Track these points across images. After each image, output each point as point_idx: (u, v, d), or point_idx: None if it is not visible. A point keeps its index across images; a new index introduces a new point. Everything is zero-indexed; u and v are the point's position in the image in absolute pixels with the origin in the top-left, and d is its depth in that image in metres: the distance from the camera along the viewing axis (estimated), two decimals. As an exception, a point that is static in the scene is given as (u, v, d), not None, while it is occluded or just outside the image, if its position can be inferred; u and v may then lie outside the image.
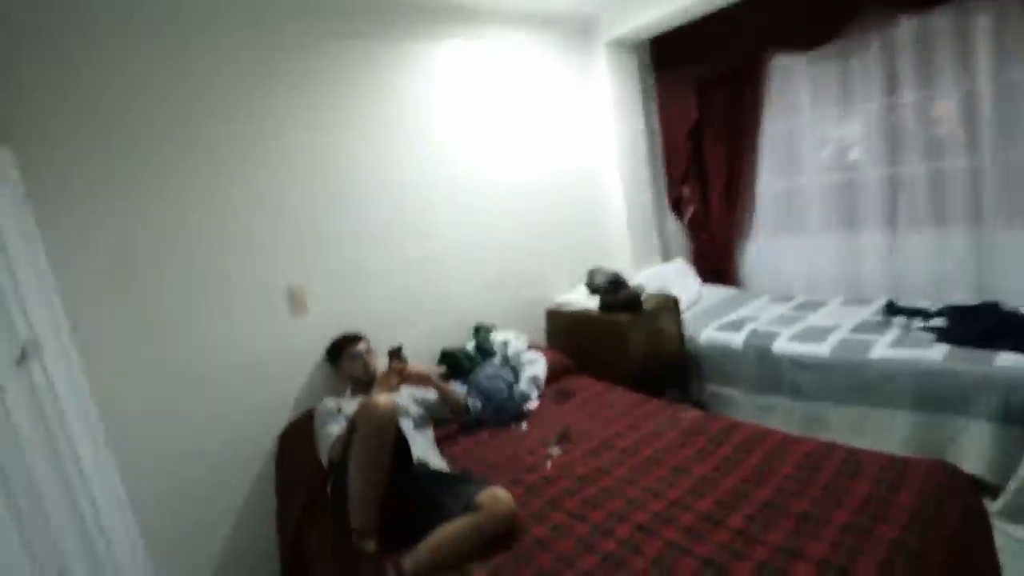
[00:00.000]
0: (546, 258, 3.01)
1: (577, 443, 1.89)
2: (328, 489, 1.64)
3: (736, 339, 2.67)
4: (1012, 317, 2.25)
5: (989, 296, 2.56)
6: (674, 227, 3.78)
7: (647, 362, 2.59)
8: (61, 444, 1.15)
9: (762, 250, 3.58)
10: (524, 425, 2.10)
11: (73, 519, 1.10)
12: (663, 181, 3.71)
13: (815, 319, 2.71)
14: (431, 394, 2.09)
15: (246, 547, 2.02)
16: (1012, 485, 1.81)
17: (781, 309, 2.95)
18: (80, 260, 1.70)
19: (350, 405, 1.92)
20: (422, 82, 2.51)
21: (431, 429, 2.00)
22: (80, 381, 1.49)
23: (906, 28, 2.71)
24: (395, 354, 1.90)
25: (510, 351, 2.40)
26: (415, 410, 1.99)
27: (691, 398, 2.69)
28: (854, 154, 3.08)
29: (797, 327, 2.63)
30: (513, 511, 1.45)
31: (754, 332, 2.66)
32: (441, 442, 1.99)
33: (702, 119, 3.46)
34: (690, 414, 1.98)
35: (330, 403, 1.91)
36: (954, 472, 1.42)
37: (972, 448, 1.93)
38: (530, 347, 2.55)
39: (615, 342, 2.58)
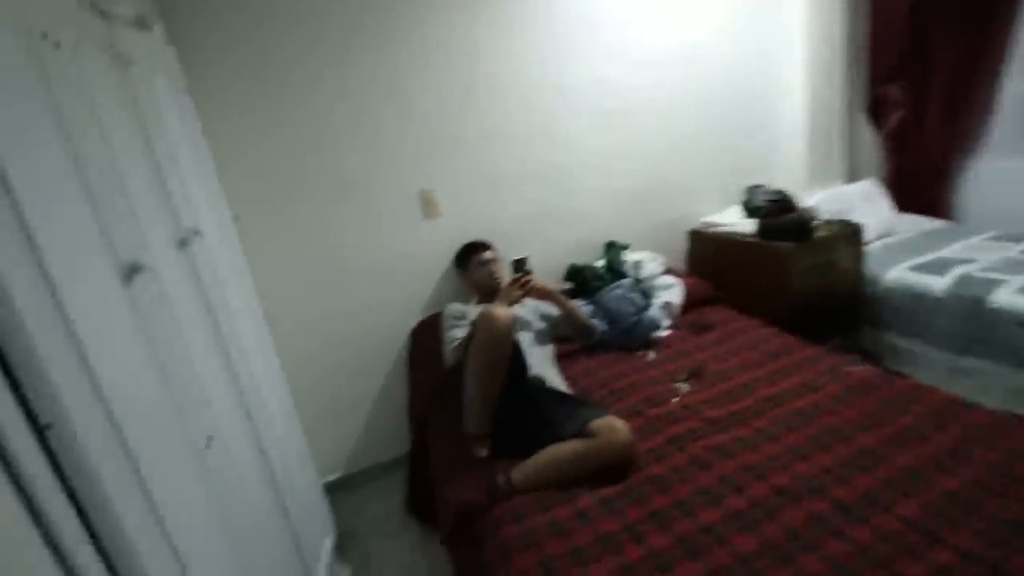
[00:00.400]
0: (695, 171, 2.62)
1: (711, 382, 1.69)
2: (448, 390, 1.69)
3: (938, 284, 2.14)
4: None
5: None
6: (868, 139, 3.05)
7: (810, 301, 2.20)
8: (222, 320, 1.28)
9: (991, 174, 2.75)
10: (651, 354, 1.94)
11: (230, 391, 1.25)
12: (862, 78, 2.95)
13: (1064, 268, 2.05)
14: (554, 310, 2.00)
15: (385, 424, 2.24)
16: None
17: (1008, 251, 2.28)
18: (236, 158, 1.83)
19: (475, 312, 1.92)
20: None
21: (551, 345, 1.94)
22: (241, 265, 1.64)
23: None
24: (520, 265, 1.82)
25: (643, 272, 2.19)
26: (536, 324, 1.93)
27: (861, 349, 2.26)
28: None
29: (1032, 275, 2.01)
30: (629, 444, 1.35)
31: (965, 277, 2.10)
32: (561, 360, 1.93)
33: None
34: (860, 368, 1.65)
35: (456, 308, 1.92)
36: None
37: None
38: (667, 271, 2.31)
39: (772, 274, 2.22)
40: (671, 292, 2.17)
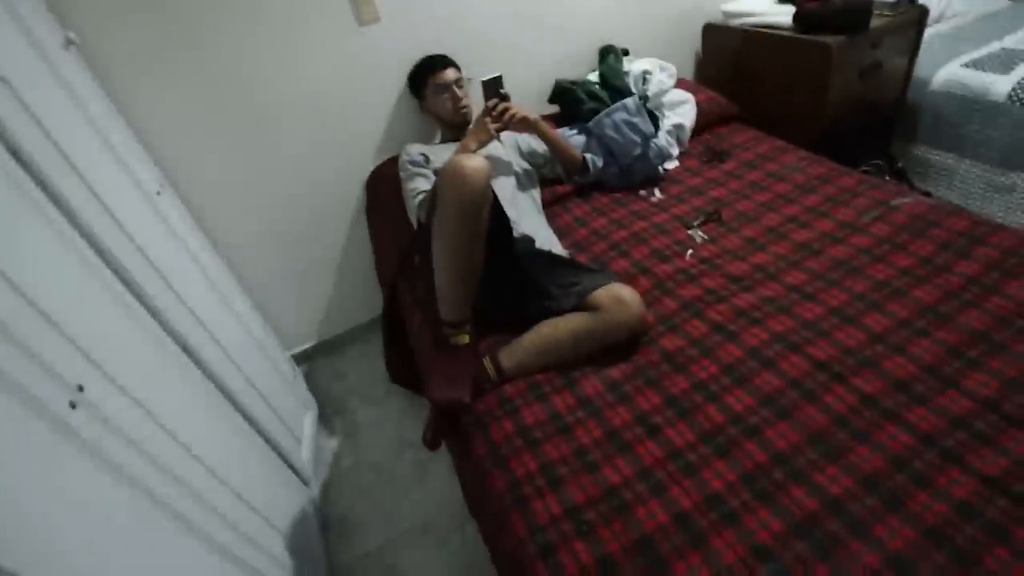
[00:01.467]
0: None
1: (732, 227, 1.40)
2: (416, 257, 1.38)
3: (999, 84, 1.75)
4: None
5: None
6: None
7: (849, 112, 1.81)
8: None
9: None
10: (657, 193, 1.61)
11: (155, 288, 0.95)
12: None
13: None
14: (539, 145, 1.61)
15: (354, 285, 1.97)
16: None
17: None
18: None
19: (439, 153, 1.52)
20: None
21: (538, 190, 1.59)
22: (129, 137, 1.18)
23: None
24: (493, 88, 1.37)
25: (651, 88, 1.73)
26: (517, 165, 1.55)
27: (898, 171, 1.95)
28: None
29: None
30: (641, 318, 1.11)
31: (1043, 73, 1.71)
32: (547, 207, 1.60)
33: None
34: (911, 201, 1.36)
35: (415, 149, 1.51)
36: None
37: None
38: (676, 84, 1.85)
39: (808, 78, 1.78)
40: (682, 111, 1.75)
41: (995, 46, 1.96)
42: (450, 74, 1.57)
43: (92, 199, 0.93)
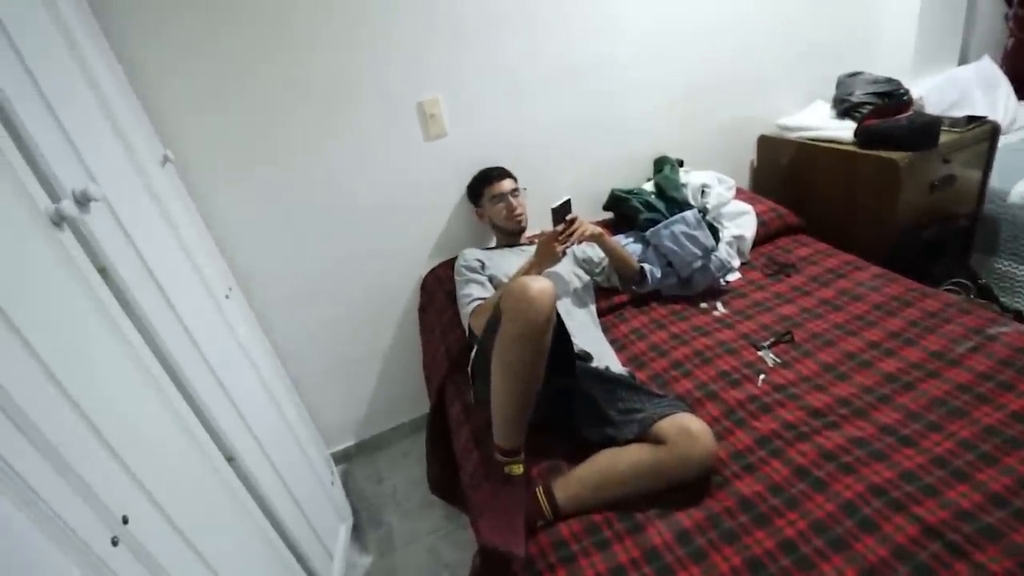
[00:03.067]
0: (766, 60, 2.03)
1: (806, 351, 1.31)
2: (469, 367, 1.34)
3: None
4: None
5: None
6: (988, 7, 2.36)
7: (919, 226, 1.74)
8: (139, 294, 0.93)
9: None
10: (720, 306, 1.55)
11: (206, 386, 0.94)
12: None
13: None
14: (595, 252, 1.60)
15: (400, 384, 1.94)
16: None
17: None
18: (171, 82, 1.36)
19: (495, 259, 1.53)
20: None
21: (594, 303, 1.56)
22: (181, 218, 1.25)
23: None
24: (561, 213, 1.38)
25: (710, 201, 1.72)
26: (575, 275, 1.54)
27: (977, 284, 1.82)
28: None
29: None
30: (712, 454, 1.01)
31: None
32: (603, 316, 1.56)
33: None
34: (1010, 329, 1.24)
35: (471, 255, 1.53)
36: None
37: None
38: (736, 195, 1.84)
39: (875, 193, 1.74)
40: (743, 222, 1.72)
41: (1075, 161, 1.87)
42: (506, 185, 1.62)
43: (168, 311, 0.96)
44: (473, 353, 1.32)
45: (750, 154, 2.18)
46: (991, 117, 1.89)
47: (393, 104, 1.60)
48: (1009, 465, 0.93)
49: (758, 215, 1.79)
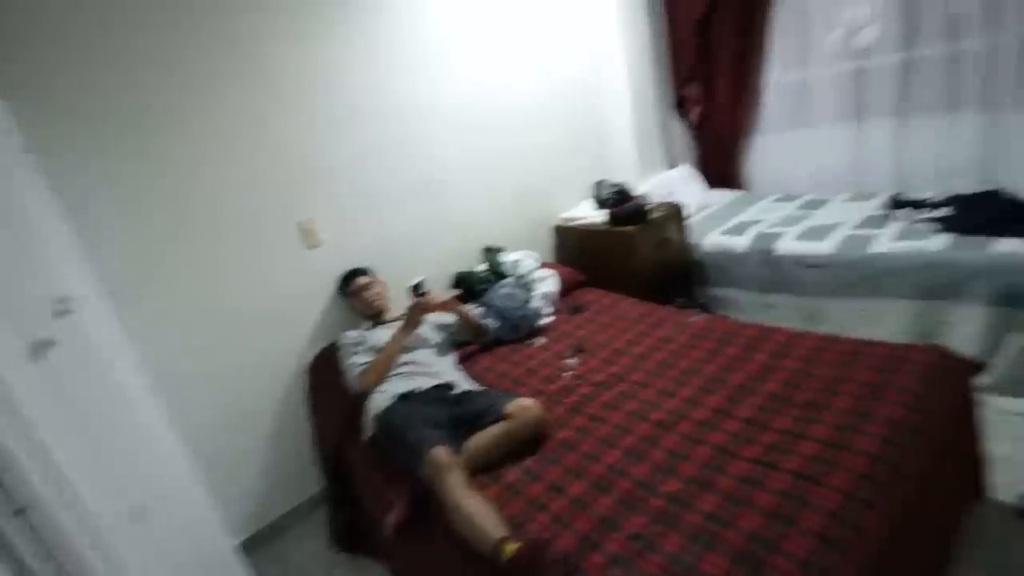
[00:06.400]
0: (552, 174, 2.99)
1: (592, 353, 2.00)
2: (360, 415, 1.78)
3: (740, 242, 2.71)
4: (1009, 202, 2.26)
5: (997, 184, 2.54)
6: (679, 131, 3.69)
7: (655, 271, 2.65)
8: (112, 384, 1.23)
9: (768, 149, 3.50)
10: (540, 340, 2.21)
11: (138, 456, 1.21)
12: (668, 83, 3.56)
13: (820, 217, 2.73)
14: (449, 318, 2.18)
15: (289, 468, 2.20)
16: (1000, 361, 1.93)
17: (786, 209, 2.96)
18: (102, 210, 1.71)
19: (369, 336, 2.00)
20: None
21: (454, 352, 2.11)
22: (118, 332, 1.55)
23: None
24: (417, 289, 1.95)
25: (522, 269, 2.46)
26: (435, 337, 2.08)
27: (697, 303, 2.78)
28: (865, 37, 2.91)
29: (802, 226, 2.66)
30: (541, 416, 1.58)
31: (758, 235, 2.69)
32: (463, 362, 2.11)
33: (710, 7, 3.24)
34: (698, 319, 2.07)
35: (351, 335, 2.00)
36: (947, 354, 1.52)
37: (966, 330, 2.03)
38: (541, 265, 2.61)
39: (624, 253, 2.63)
40: (548, 283, 2.46)
41: (736, 220, 3.01)
42: (363, 280, 2.15)
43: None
44: (371, 404, 1.76)
45: (549, 237, 3.04)
46: (687, 202, 3.00)
47: (276, 224, 2.08)
48: (691, 383, 1.66)
49: (560, 276, 2.56)
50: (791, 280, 2.53)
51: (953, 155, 2.74)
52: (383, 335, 1.99)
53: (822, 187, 3.22)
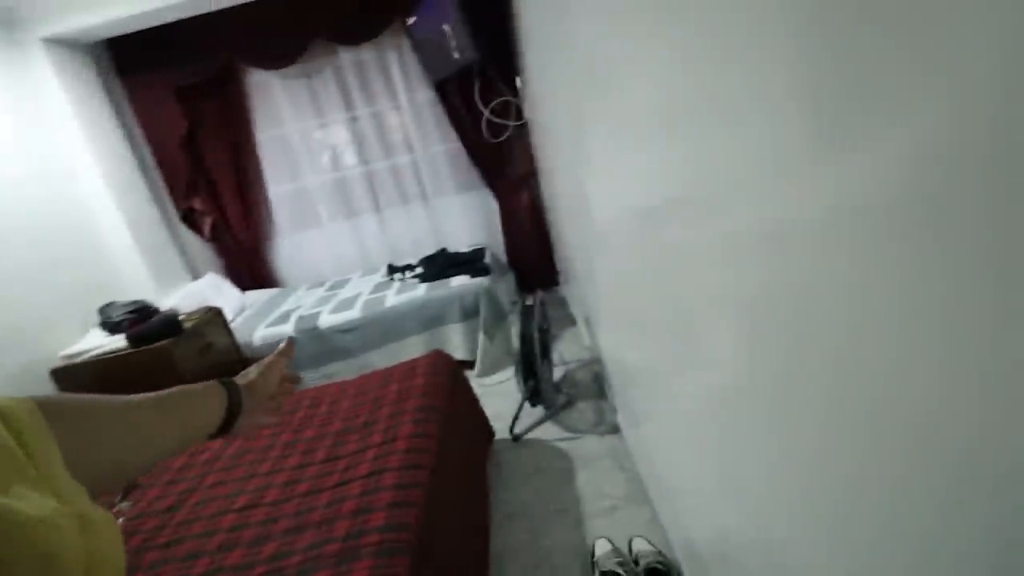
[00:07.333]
0: (38, 309, 2.39)
1: (148, 486, 1.74)
2: None
3: (287, 329, 2.94)
4: (455, 255, 3.42)
5: (442, 245, 3.75)
6: (197, 242, 3.63)
7: (207, 378, 2.52)
8: None
9: (288, 247, 3.92)
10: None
11: None
12: (173, 195, 3.47)
13: (345, 292, 3.29)
14: None
15: None
16: (478, 356, 2.86)
17: (318, 293, 3.41)
18: None
19: None
20: None
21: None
22: None
23: (345, 58, 3.47)
24: None
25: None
26: None
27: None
28: (346, 156, 3.75)
29: (333, 302, 3.13)
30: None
31: (300, 318, 2.99)
32: None
33: (193, 127, 3.40)
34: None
35: None
36: (444, 355, 2.16)
37: (456, 341, 2.90)
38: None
39: (163, 371, 2.38)
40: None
41: (279, 311, 3.22)
42: None
43: None
44: None
45: (52, 387, 2.40)
46: (225, 306, 2.98)
47: None
48: (273, 455, 1.71)
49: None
50: (337, 347, 2.92)
51: (415, 232, 3.87)
52: None
53: (341, 270, 3.88)
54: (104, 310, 2.57)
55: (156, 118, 3.34)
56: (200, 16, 2.91)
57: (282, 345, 0.83)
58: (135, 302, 2.59)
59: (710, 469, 0.97)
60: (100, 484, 0.47)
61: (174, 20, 2.85)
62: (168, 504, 1.61)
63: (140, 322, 2.44)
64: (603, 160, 1.22)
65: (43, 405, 0.42)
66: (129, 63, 3.24)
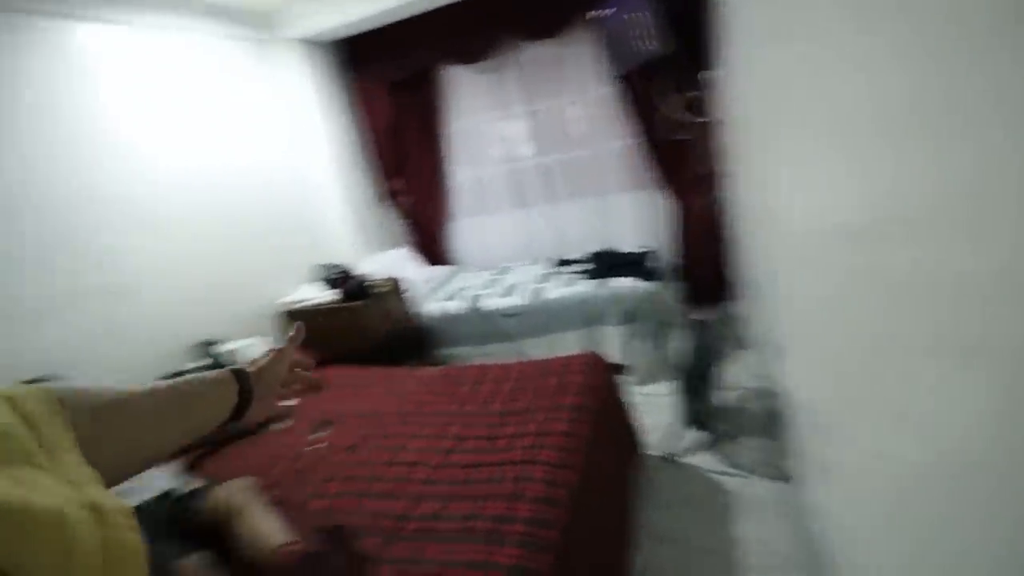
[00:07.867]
0: (268, 260, 2.97)
1: (341, 422, 2.03)
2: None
3: (457, 306, 3.18)
4: (621, 255, 3.34)
5: (610, 244, 3.68)
6: (395, 219, 4.12)
7: (384, 340, 2.86)
8: None
9: (464, 230, 4.22)
10: (278, 424, 2.11)
11: None
12: (378, 176, 3.99)
13: (511, 279, 3.44)
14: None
15: None
16: (635, 361, 2.76)
17: (486, 276, 3.61)
18: None
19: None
20: (63, 68, 2.14)
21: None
22: None
23: (529, 53, 3.60)
24: None
25: (250, 354, 2.33)
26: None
27: (431, 362, 3.07)
28: (520, 148, 3.92)
29: (499, 287, 3.29)
30: (250, 487, 1.53)
31: (468, 297, 3.21)
32: (203, 460, 1.90)
33: (398, 118, 3.84)
34: (430, 371, 2.34)
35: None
36: (598, 355, 2.12)
37: (612, 343, 2.84)
38: (270, 350, 2.51)
39: (354, 327, 2.75)
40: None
41: (451, 288, 3.50)
42: None
43: None
44: None
45: (275, 323, 2.95)
46: (410, 278, 3.35)
47: None
48: (436, 422, 1.87)
49: (292, 360, 2.51)
50: (498, 330, 3.07)
51: (582, 227, 3.86)
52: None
53: (508, 257, 4.04)
54: (321, 268, 3.06)
55: (372, 109, 3.84)
56: (409, 19, 3.24)
57: (291, 332, 0.82)
58: (335, 265, 3.04)
59: (924, 560, 0.79)
60: (118, 471, 0.49)
61: (395, 21, 3.22)
62: (350, 443, 1.86)
63: (343, 283, 2.86)
64: (818, 167, 1.06)
65: (62, 394, 0.44)
66: (356, 60, 3.77)
